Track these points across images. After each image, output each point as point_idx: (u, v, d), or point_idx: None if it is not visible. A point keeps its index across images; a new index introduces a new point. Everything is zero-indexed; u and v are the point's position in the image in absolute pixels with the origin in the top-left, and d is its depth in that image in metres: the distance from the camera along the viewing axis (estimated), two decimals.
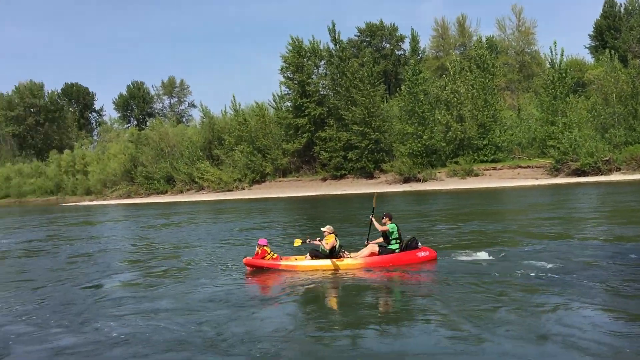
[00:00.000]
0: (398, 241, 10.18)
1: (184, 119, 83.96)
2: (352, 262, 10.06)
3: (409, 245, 10.22)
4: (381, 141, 45.31)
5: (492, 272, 8.90)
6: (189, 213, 30.71)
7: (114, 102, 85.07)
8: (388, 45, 68.96)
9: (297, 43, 50.90)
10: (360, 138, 45.36)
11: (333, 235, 10.30)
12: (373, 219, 10.38)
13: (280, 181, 50.99)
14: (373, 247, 10.27)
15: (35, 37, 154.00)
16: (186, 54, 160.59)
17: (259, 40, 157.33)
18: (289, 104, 52.51)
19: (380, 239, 10.37)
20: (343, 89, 47.32)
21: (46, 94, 79.43)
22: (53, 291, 9.89)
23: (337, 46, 50.26)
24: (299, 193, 42.10)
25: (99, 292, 9.81)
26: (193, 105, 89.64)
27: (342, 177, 47.90)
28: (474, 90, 41.57)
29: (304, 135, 49.26)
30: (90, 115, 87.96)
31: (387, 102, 48.85)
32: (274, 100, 54.30)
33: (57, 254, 15.68)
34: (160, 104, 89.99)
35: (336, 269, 9.90)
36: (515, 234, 13.65)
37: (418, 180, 40.89)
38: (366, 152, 45.39)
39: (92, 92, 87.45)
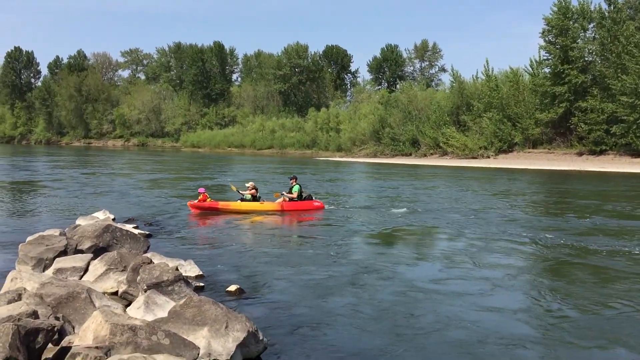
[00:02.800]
0: (301, 195, 17.59)
1: (433, 83, 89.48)
2: (271, 205, 17.23)
3: (306, 198, 17.59)
4: None
5: None
6: (435, 177, 36.10)
7: (368, 65, 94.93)
8: None
9: (563, 3, 51.56)
10: (628, 111, 44.68)
11: (253, 188, 17.41)
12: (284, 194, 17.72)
13: (529, 152, 53.00)
14: (284, 197, 17.49)
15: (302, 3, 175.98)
16: (440, 16, 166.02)
17: (519, 3, 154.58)
18: (547, 70, 53.57)
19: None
20: (613, 55, 46.86)
21: (309, 55, 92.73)
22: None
23: (611, 7, 49.50)
24: (549, 166, 43.78)
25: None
26: (443, 70, 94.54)
27: (601, 152, 47.91)
28: None
29: (561, 105, 50.23)
30: (345, 76, 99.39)
31: None
32: (530, 66, 55.84)
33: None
34: (411, 67, 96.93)
35: (260, 209, 17.11)
36: None
37: None
38: (634, 127, 44.70)
39: (350, 55, 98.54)
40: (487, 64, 64.21)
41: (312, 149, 75.32)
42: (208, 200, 17.09)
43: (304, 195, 17.83)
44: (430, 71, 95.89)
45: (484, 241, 12.59)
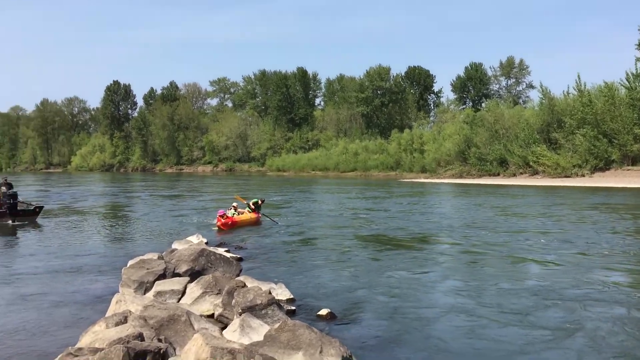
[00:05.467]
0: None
1: (521, 100, 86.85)
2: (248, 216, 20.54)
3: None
4: None
5: None
6: (528, 197, 34.80)
7: (451, 84, 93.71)
8: None
9: None
10: None
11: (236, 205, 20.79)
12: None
13: (628, 169, 50.11)
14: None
15: (387, 24, 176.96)
16: (526, 31, 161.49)
17: (610, 12, 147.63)
18: None
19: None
20: None
21: (392, 77, 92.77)
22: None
23: None
24: None
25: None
26: (531, 86, 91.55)
27: None
28: None
29: None
30: (429, 96, 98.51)
31: None
32: (626, 79, 53.07)
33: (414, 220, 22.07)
34: (497, 85, 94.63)
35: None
36: None
37: None
38: None
39: (432, 75, 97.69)
40: (579, 78, 61.49)
41: (396, 170, 74.90)
42: (226, 217, 19.72)
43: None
44: (517, 88, 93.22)
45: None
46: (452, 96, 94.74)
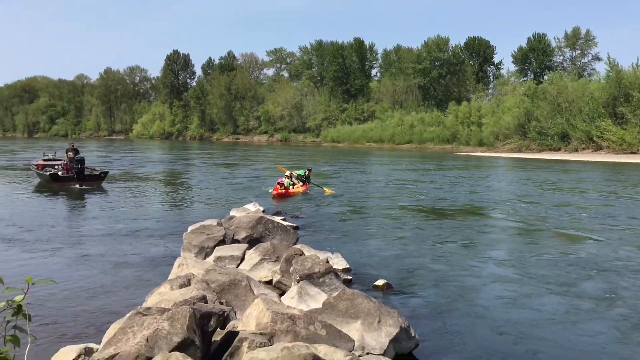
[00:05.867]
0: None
1: (586, 73, 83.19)
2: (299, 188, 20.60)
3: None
4: None
5: None
6: (592, 173, 33.62)
7: (512, 55, 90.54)
8: None
9: None
10: None
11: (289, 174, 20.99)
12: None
13: None
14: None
15: None
16: (594, 2, 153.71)
17: None
18: None
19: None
20: None
21: (450, 48, 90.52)
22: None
23: None
24: None
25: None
26: (597, 59, 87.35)
27: None
28: None
29: None
30: (488, 68, 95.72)
31: None
32: None
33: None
34: (561, 57, 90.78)
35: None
36: None
37: None
38: None
39: (493, 46, 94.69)
40: None
41: (452, 143, 73.54)
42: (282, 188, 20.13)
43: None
44: (582, 60, 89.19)
45: None
46: (512, 68, 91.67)
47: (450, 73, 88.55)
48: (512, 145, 63.03)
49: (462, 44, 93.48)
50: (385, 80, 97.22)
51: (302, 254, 7.97)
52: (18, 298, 2.19)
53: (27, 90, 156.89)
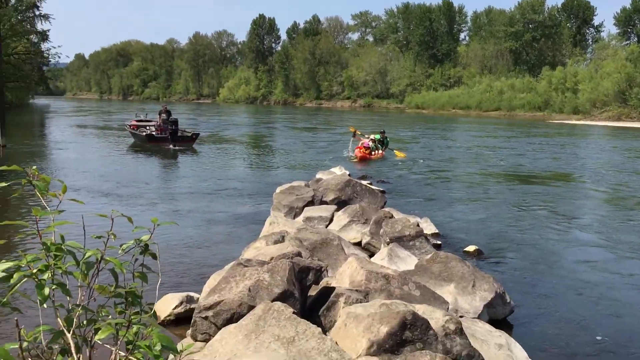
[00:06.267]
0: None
1: None
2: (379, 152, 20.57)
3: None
4: None
5: None
6: None
7: (614, 17, 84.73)
8: None
9: None
10: None
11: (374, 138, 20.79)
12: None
13: None
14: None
15: None
16: None
17: None
18: None
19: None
20: None
21: (546, 9, 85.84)
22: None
23: None
24: None
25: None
26: None
27: None
28: None
29: None
30: (587, 31, 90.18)
31: None
32: None
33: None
34: None
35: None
36: None
37: None
38: None
39: (593, 7, 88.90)
40: None
41: (544, 111, 70.38)
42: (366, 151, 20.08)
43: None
44: None
45: None
46: (614, 31, 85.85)
47: (544, 36, 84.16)
48: (611, 113, 59.52)
49: (559, 5, 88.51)
50: (474, 45, 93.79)
51: (391, 216, 7.96)
52: (145, 237, 2.32)
53: (122, 54, 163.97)
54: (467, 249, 8.14)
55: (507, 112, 73.79)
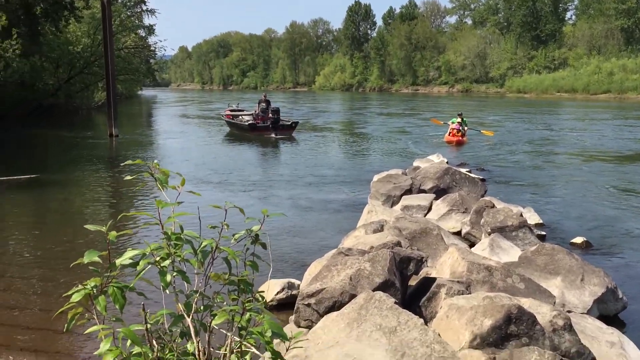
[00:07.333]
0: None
1: None
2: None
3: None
4: None
5: None
6: None
7: None
8: None
9: None
10: None
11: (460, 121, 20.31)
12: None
13: None
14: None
15: None
16: None
17: None
18: None
19: None
20: None
21: None
22: None
23: None
24: None
25: None
26: None
27: None
28: None
29: None
30: None
31: None
32: None
33: None
34: None
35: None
36: None
37: None
38: None
39: None
40: None
41: None
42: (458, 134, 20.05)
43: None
44: None
45: None
46: None
47: None
48: None
49: None
50: (582, 24, 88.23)
51: (493, 206, 7.73)
52: (255, 228, 2.41)
53: (222, 45, 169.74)
54: (574, 240, 7.76)
55: (618, 95, 69.08)
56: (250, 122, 24.05)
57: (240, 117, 26.50)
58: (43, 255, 7.59)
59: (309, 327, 4.04)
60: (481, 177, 12.50)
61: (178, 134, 25.63)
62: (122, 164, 14.78)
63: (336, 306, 4.07)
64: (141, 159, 2.49)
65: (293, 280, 5.89)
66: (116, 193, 12.70)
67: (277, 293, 5.63)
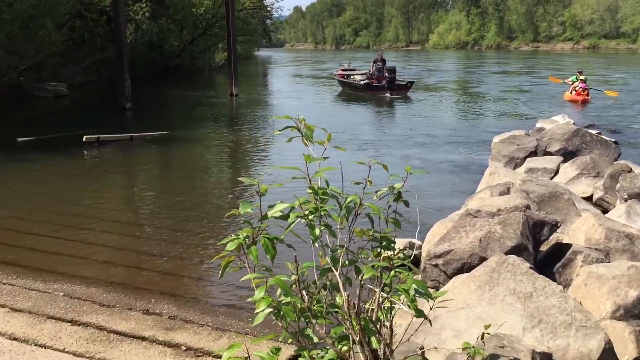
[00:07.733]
0: None
1: None
2: None
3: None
4: None
5: None
6: None
7: None
8: None
9: None
10: None
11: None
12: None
13: None
14: None
15: None
16: None
17: None
18: None
19: None
20: None
21: None
22: None
23: None
24: None
25: None
26: None
27: None
28: None
29: None
30: None
31: None
32: None
33: None
34: None
35: None
36: None
37: None
38: None
39: None
40: None
41: None
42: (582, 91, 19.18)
43: None
44: None
45: None
46: None
47: None
48: None
49: None
50: None
51: (630, 170, 7.17)
52: (398, 185, 2.37)
53: (335, 5, 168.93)
54: None
55: None
56: (365, 81, 23.78)
57: (352, 76, 26.30)
58: (174, 207, 8.09)
59: (436, 288, 4.00)
60: (614, 140, 11.61)
61: (293, 93, 26.07)
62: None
63: (465, 268, 3.98)
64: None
65: (414, 241, 5.82)
66: (240, 149, 13.22)
67: (398, 252, 5.60)
